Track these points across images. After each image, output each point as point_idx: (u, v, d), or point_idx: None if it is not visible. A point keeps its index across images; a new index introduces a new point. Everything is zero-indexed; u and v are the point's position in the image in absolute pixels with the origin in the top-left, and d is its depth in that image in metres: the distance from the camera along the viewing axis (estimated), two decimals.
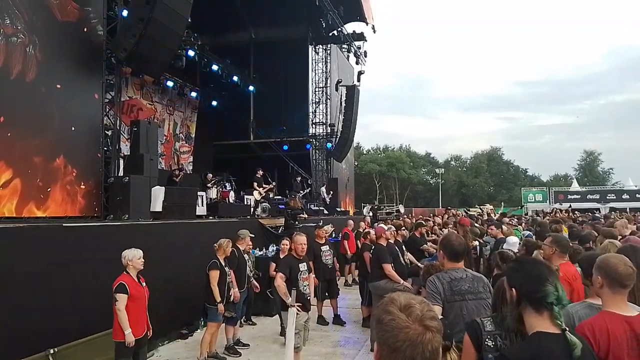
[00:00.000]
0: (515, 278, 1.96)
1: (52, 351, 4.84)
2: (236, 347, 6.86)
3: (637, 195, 39.96)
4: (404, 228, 9.54)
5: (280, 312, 5.82)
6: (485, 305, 3.12)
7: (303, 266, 5.47)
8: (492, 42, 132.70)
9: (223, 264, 6.28)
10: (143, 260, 4.81)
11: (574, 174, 61.58)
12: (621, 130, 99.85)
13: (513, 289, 1.94)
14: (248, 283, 7.22)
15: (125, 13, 9.35)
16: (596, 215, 12.86)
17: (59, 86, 7.91)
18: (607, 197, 40.54)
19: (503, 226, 8.34)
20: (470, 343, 2.43)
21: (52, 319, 5.28)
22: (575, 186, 45.71)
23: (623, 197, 40.43)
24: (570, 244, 4.21)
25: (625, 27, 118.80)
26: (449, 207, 21.86)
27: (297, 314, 4.96)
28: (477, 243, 7.15)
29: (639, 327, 2.10)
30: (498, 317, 2.57)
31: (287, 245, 7.09)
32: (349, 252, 11.73)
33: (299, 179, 17.21)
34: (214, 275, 6.09)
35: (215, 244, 6.36)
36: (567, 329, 1.76)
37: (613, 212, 23.12)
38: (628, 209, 31.07)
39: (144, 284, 4.85)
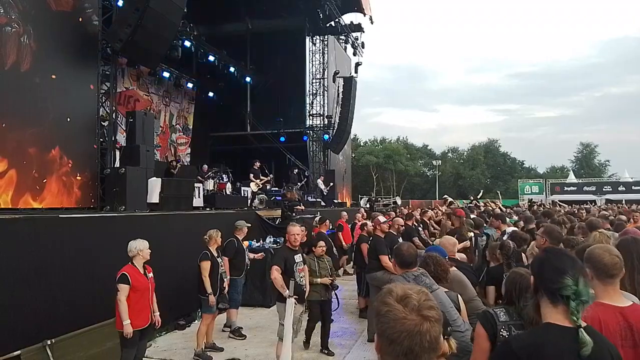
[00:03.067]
0: (536, 266, 1.92)
1: (49, 342, 4.83)
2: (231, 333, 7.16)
3: (633, 187, 40.13)
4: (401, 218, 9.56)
5: (276, 303, 5.83)
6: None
7: (298, 257, 5.47)
8: (489, 34, 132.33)
9: (215, 255, 6.31)
10: (150, 251, 4.87)
11: (571, 166, 61.71)
12: (617, 123, 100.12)
13: (532, 277, 1.90)
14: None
15: (120, 2, 9.29)
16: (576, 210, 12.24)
17: (53, 76, 7.85)
18: (604, 189, 40.74)
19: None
20: (485, 333, 2.42)
21: (48, 310, 5.28)
22: (571, 178, 45.87)
23: (619, 189, 40.62)
24: (564, 235, 4.21)
25: (621, 19, 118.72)
26: (449, 200, 21.55)
27: (294, 305, 4.96)
28: (472, 234, 7.15)
29: (632, 318, 2.08)
30: (512, 308, 2.59)
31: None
32: (344, 244, 11.76)
33: (296, 171, 17.18)
34: (205, 266, 6.12)
35: (205, 237, 6.38)
36: (583, 325, 1.69)
37: (609, 204, 23.24)
38: (624, 201, 31.23)
39: (150, 274, 4.88)
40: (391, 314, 1.29)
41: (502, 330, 2.45)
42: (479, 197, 22.03)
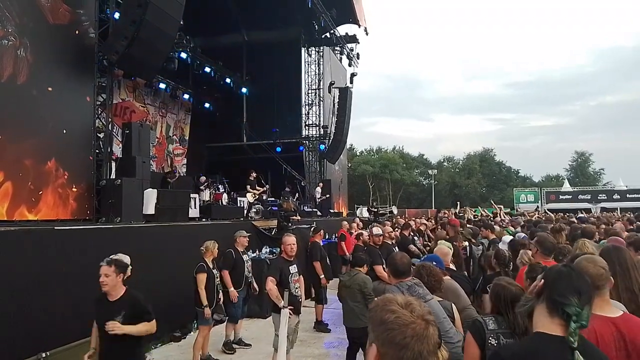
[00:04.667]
0: (552, 275, 1.84)
1: (43, 355, 4.82)
2: (237, 345, 7.06)
3: (627, 195, 40.35)
4: (397, 227, 9.62)
5: (272, 314, 5.82)
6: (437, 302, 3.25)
7: (293, 268, 5.48)
8: (485, 43, 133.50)
9: (210, 267, 6.30)
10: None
11: (566, 175, 62.04)
12: (612, 131, 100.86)
13: (542, 280, 1.83)
14: (246, 283, 7.24)
15: (117, 15, 9.33)
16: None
17: (50, 89, 7.88)
18: (598, 198, 40.94)
19: (496, 227, 8.41)
20: (474, 342, 2.47)
21: (43, 322, 5.26)
22: (566, 186, 46.05)
23: (614, 197, 40.84)
24: (556, 245, 4.24)
25: (615, 28, 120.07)
26: (444, 210, 21.40)
27: (289, 316, 4.97)
28: (467, 243, 7.19)
29: (625, 328, 2.08)
30: (501, 317, 2.62)
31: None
32: (347, 253, 11.75)
33: (289, 188, 17.09)
34: (202, 278, 6.10)
35: (202, 248, 6.36)
36: (577, 348, 1.62)
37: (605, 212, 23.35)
38: (619, 209, 31.40)
39: None
40: (400, 320, 1.32)
41: (490, 338, 2.50)
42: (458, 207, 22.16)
